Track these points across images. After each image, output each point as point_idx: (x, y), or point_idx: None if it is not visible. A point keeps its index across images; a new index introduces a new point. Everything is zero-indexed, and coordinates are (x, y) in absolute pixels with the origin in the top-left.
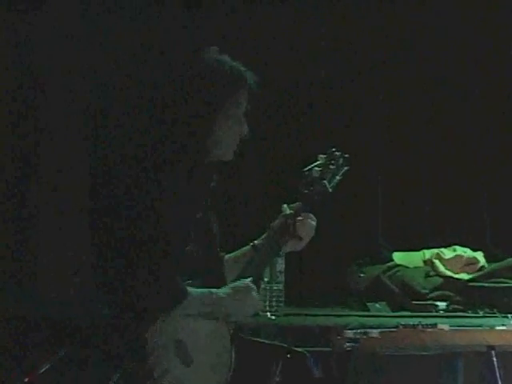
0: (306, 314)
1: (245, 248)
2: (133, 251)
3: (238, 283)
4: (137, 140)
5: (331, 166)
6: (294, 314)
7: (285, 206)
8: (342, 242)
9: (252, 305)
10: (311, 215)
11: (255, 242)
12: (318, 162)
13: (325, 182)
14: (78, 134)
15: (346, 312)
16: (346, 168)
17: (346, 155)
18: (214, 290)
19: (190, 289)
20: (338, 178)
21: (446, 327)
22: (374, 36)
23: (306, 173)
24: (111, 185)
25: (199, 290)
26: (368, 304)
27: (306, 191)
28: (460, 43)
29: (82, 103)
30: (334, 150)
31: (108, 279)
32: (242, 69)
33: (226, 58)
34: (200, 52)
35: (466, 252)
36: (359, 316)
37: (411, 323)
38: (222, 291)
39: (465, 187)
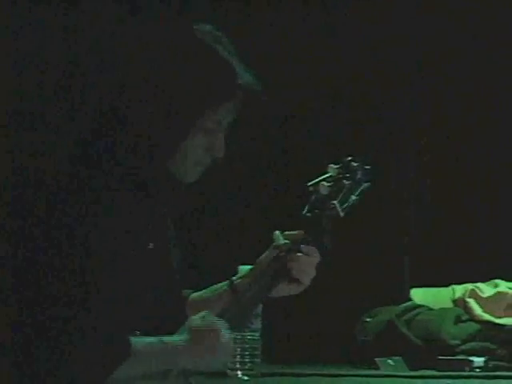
0: (291, 374)
1: (219, 285)
2: (49, 293)
3: (199, 322)
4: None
5: (345, 181)
6: (275, 374)
7: (277, 233)
8: (344, 272)
9: (222, 352)
10: (313, 249)
11: (233, 278)
12: (328, 175)
13: (335, 202)
14: None
15: (347, 371)
16: (366, 184)
17: (367, 167)
18: (165, 338)
19: (133, 340)
20: (353, 197)
21: None
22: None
23: (311, 189)
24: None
25: (145, 339)
26: (377, 360)
27: (308, 214)
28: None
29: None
30: (349, 159)
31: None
32: (241, 68)
33: (219, 46)
34: (187, 30)
35: None
36: (365, 376)
37: None
38: (177, 338)
39: (509, 205)
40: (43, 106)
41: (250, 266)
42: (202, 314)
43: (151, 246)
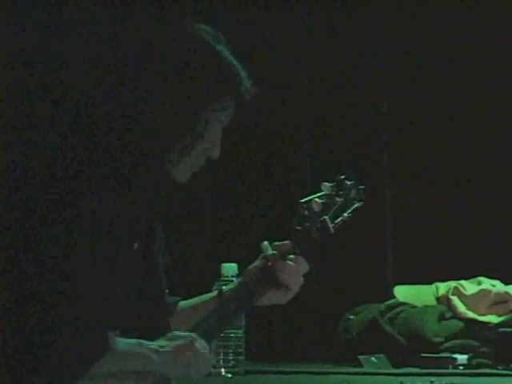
0: (275, 372)
1: (208, 295)
2: (29, 289)
3: (178, 334)
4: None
5: (338, 199)
6: (259, 372)
7: (266, 243)
8: (328, 270)
9: (199, 366)
10: (301, 259)
11: (223, 287)
12: (322, 193)
13: (326, 217)
14: None
15: (331, 368)
16: (358, 204)
17: (362, 186)
18: (144, 341)
19: (113, 339)
20: (345, 215)
21: None
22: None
23: (304, 205)
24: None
25: (124, 340)
26: (360, 357)
27: (298, 228)
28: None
29: None
30: (343, 177)
31: None
32: (238, 65)
33: (221, 46)
34: (181, 28)
35: (495, 286)
36: (348, 374)
37: (419, 383)
38: (155, 344)
39: (492, 202)
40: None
41: (233, 264)
42: (186, 332)
43: (135, 246)
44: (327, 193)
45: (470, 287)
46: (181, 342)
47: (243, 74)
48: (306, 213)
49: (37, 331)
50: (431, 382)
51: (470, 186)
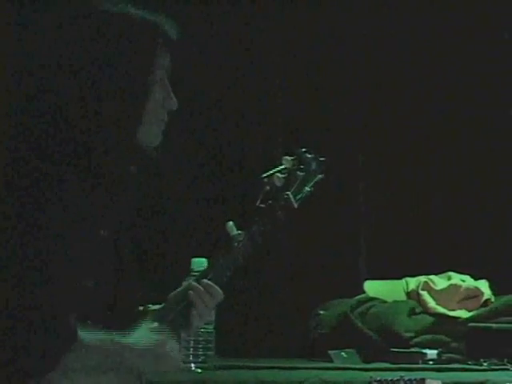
0: (245, 367)
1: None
2: None
3: (148, 327)
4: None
5: (299, 173)
6: (229, 367)
7: (231, 223)
8: (298, 266)
9: (168, 362)
10: (215, 288)
11: (150, 306)
12: (282, 167)
13: (289, 193)
14: None
15: (301, 364)
16: (320, 176)
17: (322, 158)
18: (117, 336)
19: (81, 332)
20: (307, 189)
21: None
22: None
23: (265, 180)
24: None
25: (96, 336)
26: (330, 352)
27: (262, 205)
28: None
29: None
30: (304, 150)
31: None
32: (158, 18)
33: (128, 7)
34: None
35: (465, 281)
36: (318, 369)
37: (389, 378)
38: (127, 339)
39: (464, 196)
40: None
41: (203, 259)
42: (155, 324)
43: (104, 232)
44: (288, 167)
45: (439, 282)
46: (154, 338)
47: (158, 18)
48: (269, 188)
49: (2, 323)
50: (401, 376)
51: (441, 182)
